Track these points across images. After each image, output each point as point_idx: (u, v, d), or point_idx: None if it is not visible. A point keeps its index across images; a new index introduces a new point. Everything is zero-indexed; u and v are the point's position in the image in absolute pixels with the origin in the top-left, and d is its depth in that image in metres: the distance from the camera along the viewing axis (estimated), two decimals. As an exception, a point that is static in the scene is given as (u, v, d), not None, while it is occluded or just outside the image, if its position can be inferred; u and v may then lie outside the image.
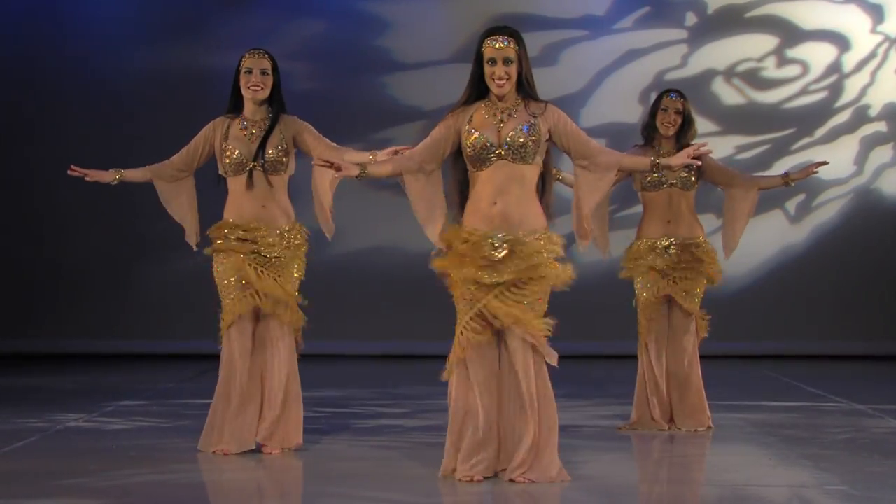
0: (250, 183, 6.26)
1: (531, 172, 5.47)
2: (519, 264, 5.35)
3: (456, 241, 5.43)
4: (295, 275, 6.32)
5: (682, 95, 7.22)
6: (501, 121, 5.45)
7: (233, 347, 6.26)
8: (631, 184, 7.35)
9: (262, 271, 6.22)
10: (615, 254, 7.43)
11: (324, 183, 6.27)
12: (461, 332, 5.42)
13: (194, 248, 6.45)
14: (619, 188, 7.32)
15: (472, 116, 5.48)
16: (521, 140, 5.42)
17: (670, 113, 7.15)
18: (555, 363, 5.45)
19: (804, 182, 7.44)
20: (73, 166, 6.27)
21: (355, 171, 5.44)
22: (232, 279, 6.23)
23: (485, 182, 5.44)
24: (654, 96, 7.39)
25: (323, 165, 5.49)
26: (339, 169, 5.43)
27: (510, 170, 5.42)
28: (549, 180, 5.58)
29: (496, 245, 5.36)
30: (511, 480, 5.35)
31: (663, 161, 5.60)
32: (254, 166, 6.26)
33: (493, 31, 5.48)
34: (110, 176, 6.35)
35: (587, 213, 5.54)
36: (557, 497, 5.26)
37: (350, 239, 11.91)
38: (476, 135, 5.42)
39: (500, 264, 5.35)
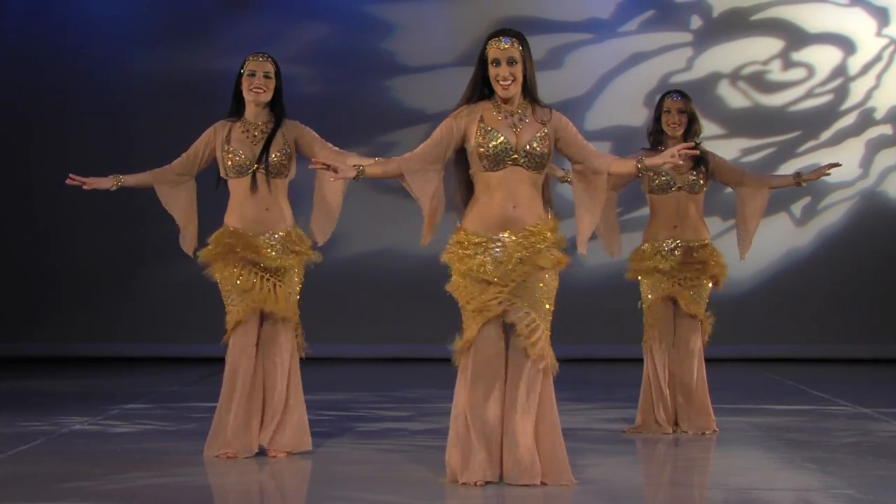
0: (253, 185, 6.25)
1: (540, 179, 5.48)
2: (526, 261, 5.36)
3: (464, 243, 5.42)
4: (295, 279, 6.32)
5: (683, 95, 7.22)
6: (514, 125, 5.44)
7: (236, 351, 6.26)
8: (639, 186, 7.34)
9: (264, 278, 6.22)
10: (623, 256, 7.41)
11: (324, 195, 6.29)
12: (469, 331, 5.42)
13: (191, 255, 6.44)
14: (624, 191, 7.32)
15: (482, 116, 5.46)
16: (540, 150, 5.41)
17: (674, 114, 7.15)
18: (554, 372, 5.47)
19: (810, 185, 7.42)
20: (71, 175, 6.25)
21: (353, 173, 5.43)
22: (231, 287, 6.24)
23: (495, 185, 5.42)
24: (657, 99, 7.38)
25: (320, 167, 5.48)
26: (336, 171, 5.42)
27: (522, 175, 5.42)
28: (549, 186, 5.58)
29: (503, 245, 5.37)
30: (520, 485, 5.35)
31: (647, 162, 5.56)
32: (256, 169, 6.26)
33: (497, 33, 5.48)
34: (109, 182, 6.32)
35: (585, 214, 5.53)
36: (562, 500, 5.25)
37: (353, 242, 11.93)
38: (500, 137, 5.40)
39: (510, 269, 5.35)
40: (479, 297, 5.38)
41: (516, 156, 5.42)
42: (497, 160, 5.42)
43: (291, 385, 6.30)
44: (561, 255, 5.44)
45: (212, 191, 6.44)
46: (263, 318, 6.29)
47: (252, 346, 6.26)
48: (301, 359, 6.38)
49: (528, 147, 5.41)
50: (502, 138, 5.41)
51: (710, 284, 7.19)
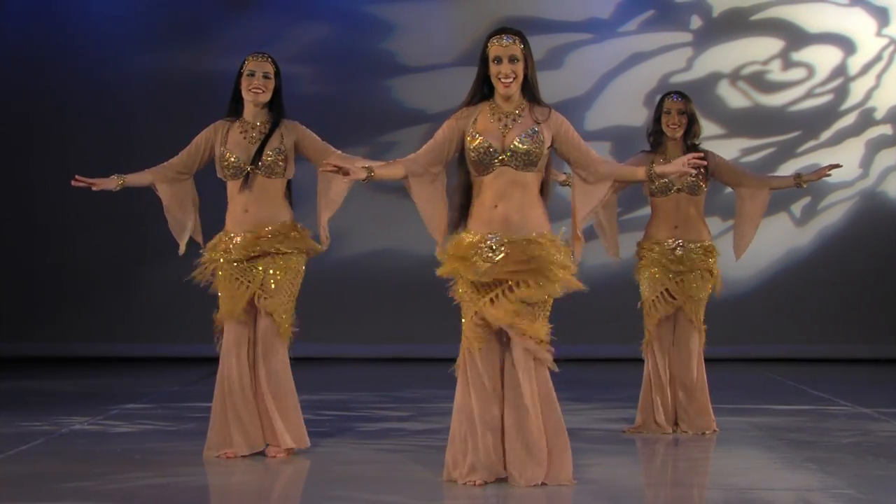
0: (244, 186, 6.26)
1: (534, 179, 5.46)
2: (516, 266, 5.34)
3: (456, 245, 5.43)
4: (291, 275, 6.30)
5: (683, 96, 7.22)
6: (506, 126, 5.44)
7: (228, 351, 6.27)
8: (638, 187, 7.34)
9: (259, 277, 6.22)
10: (623, 256, 7.41)
11: (328, 192, 6.28)
12: (465, 335, 5.42)
13: (181, 251, 6.45)
14: (624, 191, 7.32)
15: (476, 119, 5.47)
16: (525, 148, 5.41)
17: (674, 115, 7.15)
18: (554, 368, 5.45)
19: (810, 185, 7.42)
20: (77, 177, 6.24)
21: (363, 175, 5.44)
22: (224, 291, 6.26)
23: (487, 187, 5.43)
24: (657, 100, 7.38)
25: (331, 170, 5.48)
26: (346, 173, 5.42)
27: (513, 176, 5.42)
28: (549, 186, 5.57)
29: (493, 247, 5.35)
30: (521, 485, 5.34)
31: (658, 170, 5.56)
32: (251, 170, 6.26)
33: (498, 31, 5.49)
34: (113, 182, 6.33)
35: (581, 219, 5.54)
36: (563, 500, 5.26)
37: (354, 242, 11.93)
38: (480, 139, 5.42)
39: (496, 266, 5.34)
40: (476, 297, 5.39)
41: (503, 156, 5.41)
42: (483, 163, 5.42)
43: (285, 384, 6.30)
44: (570, 278, 5.43)
45: (212, 191, 6.43)
46: (256, 318, 6.29)
47: (244, 346, 6.27)
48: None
49: (512, 146, 5.40)
50: (487, 142, 5.41)
51: (710, 286, 7.19)
